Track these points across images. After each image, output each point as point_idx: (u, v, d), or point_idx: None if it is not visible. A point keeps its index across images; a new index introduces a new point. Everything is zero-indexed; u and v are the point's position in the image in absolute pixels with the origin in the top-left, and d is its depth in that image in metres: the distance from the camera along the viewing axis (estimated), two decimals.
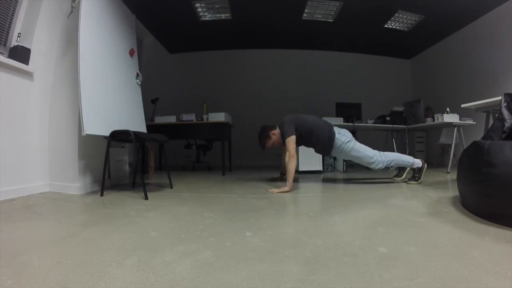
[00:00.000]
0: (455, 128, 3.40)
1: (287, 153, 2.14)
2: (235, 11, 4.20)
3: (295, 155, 2.13)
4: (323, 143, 2.31)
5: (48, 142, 2.10)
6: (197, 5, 4.01)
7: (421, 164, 2.37)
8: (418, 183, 2.32)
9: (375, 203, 1.67)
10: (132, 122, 2.43)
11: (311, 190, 2.14)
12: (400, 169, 2.55)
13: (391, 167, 3.01)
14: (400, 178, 2.50)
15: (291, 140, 2.18)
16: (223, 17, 4.39)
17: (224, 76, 5.77)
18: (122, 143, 2.62)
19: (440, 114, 3.48)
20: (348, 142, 2.29)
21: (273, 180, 2.68)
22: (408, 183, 2.35)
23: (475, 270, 0.71)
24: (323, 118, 3.92)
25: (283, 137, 2.24)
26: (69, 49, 2.09)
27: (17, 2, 1.98)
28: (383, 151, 2.41)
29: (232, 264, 0.78)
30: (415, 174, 2.38)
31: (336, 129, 2.37)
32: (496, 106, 2.11)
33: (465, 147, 1.76)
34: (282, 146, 2.38)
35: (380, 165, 2.30)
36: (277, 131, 2.37)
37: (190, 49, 5.64)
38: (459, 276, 0.68)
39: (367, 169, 4.01)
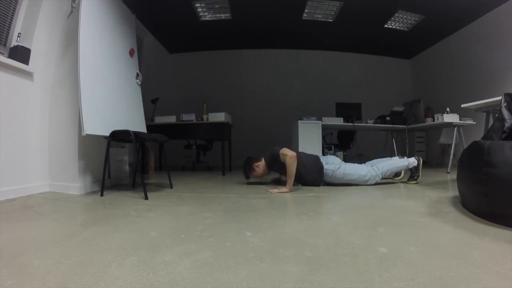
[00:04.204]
0: (455, 128, 3.40)
1: (289, 155, 2.12)
2: (235, 11, 4.20)
3: (295, 156, 2.13)
4: (313, 179, 2.31)
5: (48, 142, 2.10)
6: (197, 5, 4.01)
7: (416, 162, 2.37)
8: (417, 182, 2.33)
9: (375, 203, 1.66)
10: (132, 122, 2.43)
11: (311, 190, 2.14)
12: None
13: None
14: (399, 178, 2.49)
15: (286, 148, 2.20)
16: (223, 17, 4.39)
17: (224, 76, 5.77)
18: (122, 143, 2.62)
19: (440, 114, 3.48)
20: (338, 168, 2.28)
21: (273, 180, 2.68)
22: (408, 183, 2.35)
23: (475, 270, 0.71)
24: (323, 118, 3.97)
25: (275, 155, 2.23)
26: (69, 49, 2.09)
27: (17, 2, 1.98)
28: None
29: (232, 264, 0.78)
30: (413, 174, 2.38)
31: (323, 159, 2.37)
32: (496, 106, 2.11)
33: (465, 147, 1.76)
34: (275, 170, 2.41)
35: (377, 179, 2.30)
36: (261, 163, 2.40)
37: (190, 49, 5.64)
38: (459, 276, 0.68)
39: None
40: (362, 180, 2.28)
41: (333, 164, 2.32)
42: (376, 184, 2.33)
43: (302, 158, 2.29)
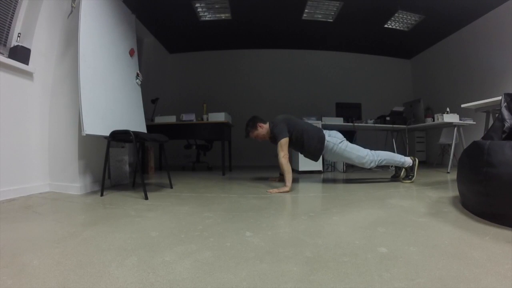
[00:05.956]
0: (455, 128, 3.40)
1: (281, 154, 2.14)
2: (235, 11, 4.20)
3: (287, 157, 2.14)
4: (313, 148, 2.30)
5: (48, 142, 2.10)
6: (197, 5, 4.01)
7: (411, 162, 2.38)
8: (412, 182, 2.35)
9: (375, 203, 1.66)
10: (132, 122, 2.43)
11: (311, 190, 2.14)
12: (397, 169, 2.58)
13: (390, 167, 3.04)
14: (399, 178, 2.51)
15: (285, 142, 2.19)
16: (223, 17, 4.39)
17: (224, 76, 5.77)
18: (122, 143, 2.62)
19: (440, 114, 3.48)
20: (340, 143, 2.28)
21: (273, 180, 2.68)
22: (403, 182, 2.37)
23: (475, 270, 0.71)
24: (323, 118, 3.96)
25: (276, 138, 2.23)
26: (69, 49, 2.09)
27: (17, 2, 1.98)
28: (383, 150, 2.42)
29: (232, 264, 0.78)
30: (409, 173, 2.41)
31: (325, 132, 2.37)
32: (496, 106, 2.11)
33: (465, 147, 1.76)
34: (271, 141, 2.41)
35: (372, 164, 2.32)
36: (265, 125, 2.40)
37: (190, 49, 5.64)
38: (459, 276, 0.68)
39: (366, 169, 4.02)
40: (359, 161, 2.30)
41: (335, 137, 2.32)
42: (376, 183, 2.33)
43: (305, 126, 2.30)
